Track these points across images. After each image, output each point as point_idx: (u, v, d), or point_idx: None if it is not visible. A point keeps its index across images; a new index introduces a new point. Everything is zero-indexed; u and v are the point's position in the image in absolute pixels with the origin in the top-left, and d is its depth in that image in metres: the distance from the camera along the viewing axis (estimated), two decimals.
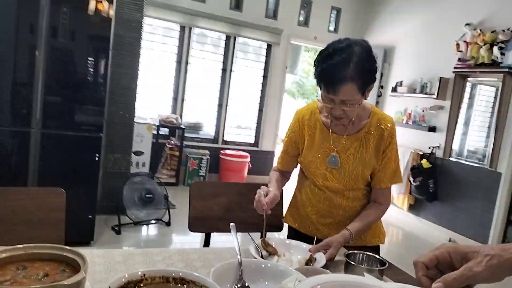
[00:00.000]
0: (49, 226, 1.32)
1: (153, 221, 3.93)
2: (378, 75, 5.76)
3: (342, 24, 6.54)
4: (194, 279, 0.98)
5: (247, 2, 5.82)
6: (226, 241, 3.60)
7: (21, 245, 0.98)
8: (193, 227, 1.71)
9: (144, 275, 0.97)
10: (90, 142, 3.08)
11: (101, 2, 2.95)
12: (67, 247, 1.00)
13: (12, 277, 0.92)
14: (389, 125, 1.52)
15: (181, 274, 0.99)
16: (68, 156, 3.04)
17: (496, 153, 4.34)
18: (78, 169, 3.05)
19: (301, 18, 6.28)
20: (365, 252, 1.31)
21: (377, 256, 1.29)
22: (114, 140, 3.74)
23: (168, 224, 3.95)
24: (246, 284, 1.06)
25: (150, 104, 5.52)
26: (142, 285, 0.96)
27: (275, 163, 1.75)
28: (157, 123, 5.31)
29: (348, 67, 1.31)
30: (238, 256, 1.12)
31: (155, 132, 5.18)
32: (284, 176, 1.70)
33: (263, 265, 1.16)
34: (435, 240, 4.57)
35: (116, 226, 3.60)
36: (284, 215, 1.76)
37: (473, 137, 4.82)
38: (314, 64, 1.42)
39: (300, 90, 12.97)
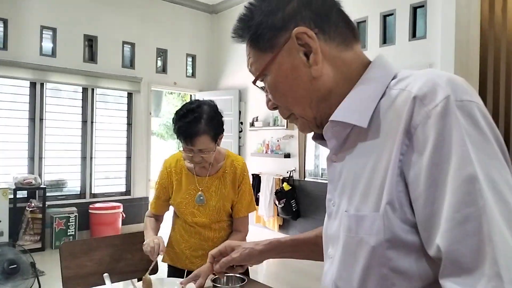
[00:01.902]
0: None
1: None
2: (236, 113, 6.32)
3: (198, 69, 7.00)
4: None
5: (101, 53, 5.85)
6: None
7: None
8: (68, 287, 1.74)
9: None
10: None
11: None
12: None
13: None
14: (240, 164, 1.87)
15: None
16: None
17: None
18: None
19: (159, 65, 6.55)
20: (228, 274, 1.55)
21: (238, 276, 1.55)
22: None
23: None
24: None
25: (3, 166, 5.07)
26: None
27: (148, 209, 1.95)
28: (13, 186, 4.89)
29: (200, 123, 1.63)
30: None
31: (11, 196, 4.76)
32: (158, 220, 1.92)
33: None
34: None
35: None
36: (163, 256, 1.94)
37: (324, 157, 5.60)
38: (173, 121, 1.71)
39: (169, 131, 13.12)
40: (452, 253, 0.55)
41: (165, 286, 1.58)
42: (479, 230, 0.54)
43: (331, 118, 0.70)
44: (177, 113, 1.70)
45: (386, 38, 4.63)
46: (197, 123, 1.63)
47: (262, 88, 0.78)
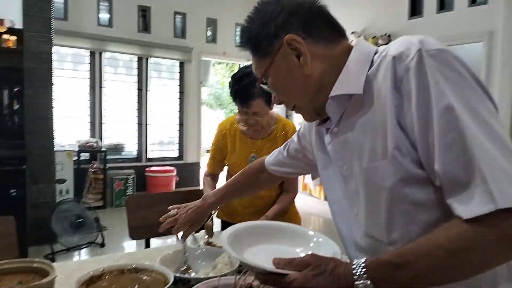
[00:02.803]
0: (4, 251, 1.48)
1: (86, 245, 3.97)
2: None
3: None
4: (145, 267, 1.26)
5: (154, 23, 6.04)
6: (165, 243, 3.85)
7: None
8: (133, 235, 1.94)
9: (103, 269, 1.22)
10: (13, 175, 3.11)
11: (9, 38, 3.01)
12: (34, 259, 1.21)
13: None
14: (291, 127, 1.96)
15: (134, 265, 1.26)
16: None
17: None
18: (4, 203, 3.06)
19: (209, 35, 6.65)
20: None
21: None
22: (36, 171, 3.74)
23: (102, 245, 4.02)
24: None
25: (68, 130, 5.48)
26: (103, 277, 1.21)
27: (205, 169, 2.10)
28: (77, 149, 5.29)
29: (256, 87, 1.69)
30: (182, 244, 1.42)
31: (76, 158, 5.16)
32: (214, 179, 2.06)
33: (199, 251, 1.46)
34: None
35: (49, 254, 3.62)
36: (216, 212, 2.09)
37: None
38: (229, 85, 1.81)
39: (217, 101, 13.36)
40: (447, 174, 0.66)
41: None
42: (463, 149, 0.64)
43: (331, 95, 0.82)
44: (233, 76, 1.78)
45: (443, 4, 4.40)
46: (253, 86, 1.69)
47: (266, 88, 0.92)
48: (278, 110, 6.84)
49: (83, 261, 1.48)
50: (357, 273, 0.67)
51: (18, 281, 1.15)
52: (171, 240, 3.95)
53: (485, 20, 3.97)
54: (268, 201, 1.93)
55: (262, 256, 0.90)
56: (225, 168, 2.06)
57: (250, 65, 1.79)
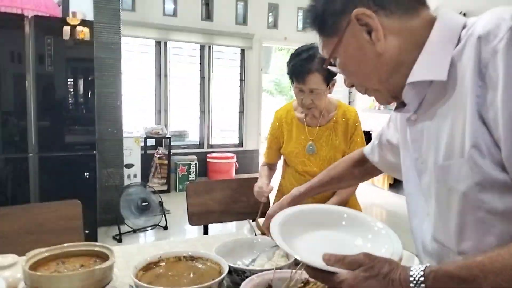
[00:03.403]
0: (71, 233, 1.56)
1: (150, 227, 4.16)
2: None
3: None
4: (201, 255, 1.25)
5: (217, 11, 6.08)
6: (223, 229, 3.87)
7: (57, 246, 1.22)
8: (192, 221, 1.96)
9: (160, 256, 1.22)
10: (85, 160, 3.30)
11: (82, 29, 3.17)
12: (96, 243, 1.25)
13: (55, 270, 1.16)
14: (352, 115, 1.82)
15: (190, 253, 1.26)
16: (66, 176, 3.25)
17: None
18: (76, 186, 3.26)
19: (270, 21, 6.57)
20: None
21: None
22: (106, 156, 3.95)
23: (165, 228, 4.19)
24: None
25: (135, 118, 5.74)
26: (160, 264, 1.22)
27: (262, 159, 2.05)
28: (144, 135, 5.53)
29: (313, 61, 1.61)
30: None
31: (142, 144, 5.40)
32: (271, 169, 1.99)
33: (254, 241, 1.42)
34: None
35: (117, 235, 3.82)
36: (273, 201, 2.04)
37: None
38: (287, 64, 1.72)
39: (278, 88, 13.29)
40: None
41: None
42: None
43: (409, 81, 0.72)
44: (291, 54, 1.71)
45: None
46: (311, 60, 1.61)
47: (336, 69, 0.83)
48: (339, 96, 6.61)
49: (143, 246, 1.52)
50: (414, 281, 0.61)
51: (81, 263, 1.19)
52: (230, 225, 4.00)
53: None
54: (327, 193, 1.84)
55: (316, 245, 0.84)
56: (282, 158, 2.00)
57: (309, 44, 1.71)
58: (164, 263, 1.23)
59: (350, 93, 6.37)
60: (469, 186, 0.65)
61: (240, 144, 6.64)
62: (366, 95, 0.83)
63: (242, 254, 1.36)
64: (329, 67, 0.84)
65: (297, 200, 1.24)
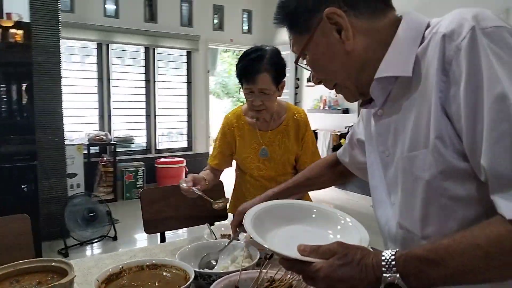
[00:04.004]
0: (20, 249, 1.46)
1: (98, 239, 3.98)
2: (293, 69, 6.24)
3: (254, 25, 6.94)
4: (165, 263, 1.23)
5: (161, 12, 5.96)
6: (180, 236, 3.81)
7: (9, 264, 1.14)
8: (148, 229, 1.91)
9: (122, 267, 1.19)
10: (24, 171, 3.10)
11: (17, 32, 2.97)
12: (52, 258, 1.18)
13: None
14: (302, 116, 1.85)
15: (153, 261, 1.23)
16: (4, 189, 3.03)
17: None
18: (17, 199, 3.06)
19: (216, 23, 6.56)
20: None
21: None
22: (47, 166, 3.73)
23: (114, 238, 4.03)
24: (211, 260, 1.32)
25: (77, 124, 5.47)
26: (122, 275, 1.18)
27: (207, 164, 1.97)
28: (87, 143, 5.29)
29: (262, 61, 1.62)
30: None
31: (85, 151, 5.16)
32: (215, 174, 1.88)
33: (217, 244, 1.42)
34: (362, 208, 5.13)
35: (63, 249, 3.63)
36: (227, 206, 2.03)
37: None
38: (236, 65, 1.71)
39: (224, 90, 13.28)
40: (495, 169, 0.60)
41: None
42: None
43: (376, 76, 0.76)
44: (240, 55, 1.71)
45: None
46: (260, 60, 1.63)
47: (305, 66, 0.85)
48: (285, 97, 6.74)
49: (100, 258, 1.46)
50: (386, 265, 0.64)
51: (37, 281, 1.13)
52: (182, 231, 3.94)
53: None
54: None
55: (289, 238, 0.87)
56: (234, 164, 1.97)
57: (258, 46, 1.72)
58: (126, 274, 1.20)
59: (295, 94, 6.53)
60: (433, 174, 0.70)
61: (189, 147, 6.55)
62: (334, 91, 0.86)
63: (205, 258, 1.36)
64: (299, 64, 0.86)
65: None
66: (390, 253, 0.65)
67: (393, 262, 0.64)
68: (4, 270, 1.13)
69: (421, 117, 0.71)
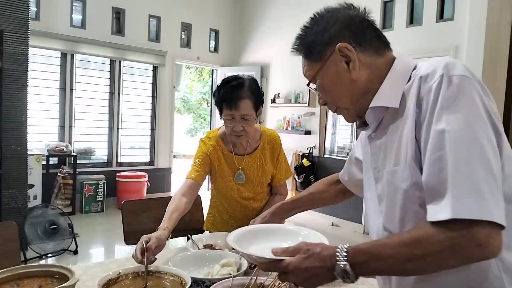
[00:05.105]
0: (6, 257, 1.47)
1: (58, 252, 3.86)
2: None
3: (221, 44, 7.09)
4: (160, 269, 1.30)
5: (129, 26, 5.97)
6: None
7: (8, 268, 1.17)
8: (129, 241, 1.94)
9: (120, 272, 1.25)
10: None
11: None
12: (53, 264, 1.21)
13: None
14: (277, 138, 1.97)
15: (150, 268, 1.29)
16: None
17: None
18: None
19: (183, 39, 6.65)
20: None
21: None
22: (8, 176, 3.61)
23: (75, 252, 3.93)
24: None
25: (36, 134, 5.29)
26: (120, 280, 1.24)
27: (173, 181, 1.98)
28: (46, 153, 5.13)
29: (243, 88, 1.72)
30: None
31: (44, 162, 5.00)
32: (192, 193, 1.79)
33: (207, 254, 1.51)
34: (322, 226, 5.33)
35: (22, 262, 3.48)
36: (204, 223, 2.09)
37: (340, 135, 5.70)
38: (215, 93, 1.79)
39: (186, 106, 13.28)
40: (428, 184, 0.78)
41: (218, 239, 1.74)
42: (445, 166, 0.75)
43: (371, 105, 0.93)
44: (221, 83, 1.79)
45: (413, 19, 4.67)
46: (241, 87, 1.72)
47: (314, 89, 1.01)
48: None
49: (90, 266, 1.49)
50: (339, 256, 0.80)
51: (38, 285, 1.16)
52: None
53: (451, 35, 4.25)
54: (260, 211, 1.91)
55: (264, 249, 1.02)
56: (203, 189, 1.99)
57: (236, 75, 1.83)
58: (124, 279, 1.25)
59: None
60: (409, 185, 0.85)
61: (151, 162, 6.50)
62: (336, 112, 1.03)
63: (195, 266, 1.44)
64: (309, 86, 1.02)
65: (280, 213, 1.51)
66: (343, 246, 0.81)
67: (345, 254, 0.80)
68: (3, 274, 1.15)
69: (402, 139, 0.87)
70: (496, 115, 0.81)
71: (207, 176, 1.93)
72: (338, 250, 0.80)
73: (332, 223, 5.52)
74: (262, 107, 1.83)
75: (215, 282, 1.23)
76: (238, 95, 1.70)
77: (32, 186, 4.54)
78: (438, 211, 0.74)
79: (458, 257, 0.73)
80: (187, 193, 1.75)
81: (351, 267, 0.78)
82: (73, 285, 1.11)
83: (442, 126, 0.76)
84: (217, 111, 1.83)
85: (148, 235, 1.46)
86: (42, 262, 3.67)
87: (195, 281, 1.26)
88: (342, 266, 0.79)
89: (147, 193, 6.03)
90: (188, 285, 1.18)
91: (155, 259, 1.35)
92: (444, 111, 0.77)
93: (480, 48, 3.88)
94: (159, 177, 6.41)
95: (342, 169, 1.39)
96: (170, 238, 1.58)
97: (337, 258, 0.80)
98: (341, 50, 0.92)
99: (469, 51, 4.00)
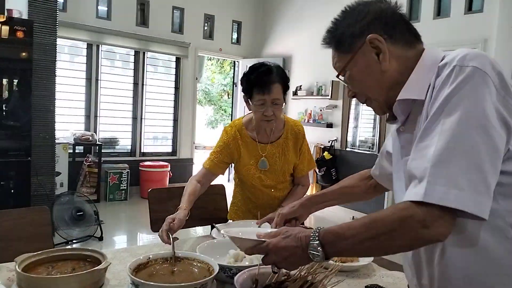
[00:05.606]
0: (41, 239, 1.53)
1: (84, 238, 3.98)
2: None
3: (243, 36, 7.09)
4: (187, 256, 1.33)
5: (153, 18, 6.03)
6: (184, 235, 3.88)
7: (44, 250, 1.22)
8: (154, 227, 1.98)
9: (149, 257, 1.28)
10: (18, 167, 3.10)
11: (18, 29, 3.00)
12: (86, 248, 1.26)
13: (48, 274, 1.15)
14: (300, 128, 1.98)
15: (180, 254, 1.32)
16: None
17: (382, 141, 5.22)
18: (11, 193, 3.05)
19: (206, 31, 6.68)
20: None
21: None
22: (36, 163, 3.72)
23: (100, 239, 4.04)
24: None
25: (63, 123, 5.43)
26: (149, 265, 1.27)
27: (195, 172, 1.99)
28: (73, 142, 5.26)
29: (273, 73, 1.75)
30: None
31: (70, 151, 5.13)
32: (206, 181, 1.88)
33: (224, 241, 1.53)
34: (342, 220, 5.31)
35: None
36: (228, 212, 2.13)
37: (363, 129, 5.67)
38: (242, 79, 1.81)
39: (207, 97, 13.37)
40: (411, 170, 0.81)
41: (240, 227, 1.77)
42: (428, 154, 0.77)
43: (398, 98, 0.92)
44: (248, 69, 1.81)
45: (440, 11, 4.56)
46: (270, 72, 1.75)
47: (344, 81, 1.02)
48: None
49: (117, 250, 1.53)
50: (312, 236, 0.87)
51: (71, 267, 1.20)
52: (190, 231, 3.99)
53: (480, 27, 4.13)
54: (283, 200, 1.97)
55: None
56: (229, 176, 2.02)
57: (262, 62, 1.84)
58: (153, 264, 1.29)
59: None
60: None
61: (174, 152, 6.59)
62: (365, 104, 1.02)
63: (220, 253, 1.46)
64: (338, 78, 1.02)
65: (309, 204, 1.50)
66: (317, 228, 0.88)
67: (317, 234, 0.86)
68: (40, 256, 1.20)
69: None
70: (510, 111, 0.77)
71: (227, 167, 1.97)
72: (313, 231, 0.87)
73: (353, 216, 5.49)
74: (287, 93, 1.85)
75: (241, 270, 1.25)
76: (269, 80, 1.73)
77: (59, 173, 4.67)
78: (408, 194, 0.78)
79: (407, 238, 0.77)
80: (201, 180, 1.86)
81: (322, 247, 0.85)
82: (105, 268, 1.15)
83: (437, 116, 0.78)
84: (239, 102, 1.85)
85: (171, 215, 1.60)
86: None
87: (222, 268, 1.28)
88: (315, 245, 0.85)
89: (169, 182, 6.13)
90: (216, 272, 1.20)
91: (177, 238, 1.51)
92: (444, 102, 0.78)
93: (510, 41, 3.76)
94: (181, 168, 6.49)
95: (374, 165, 1.37)
96: (193, 227, 1.64)
97: (311, 238, 0.86)
98: (371, 42, 0.92)
99: (498, 44, 3.89)
